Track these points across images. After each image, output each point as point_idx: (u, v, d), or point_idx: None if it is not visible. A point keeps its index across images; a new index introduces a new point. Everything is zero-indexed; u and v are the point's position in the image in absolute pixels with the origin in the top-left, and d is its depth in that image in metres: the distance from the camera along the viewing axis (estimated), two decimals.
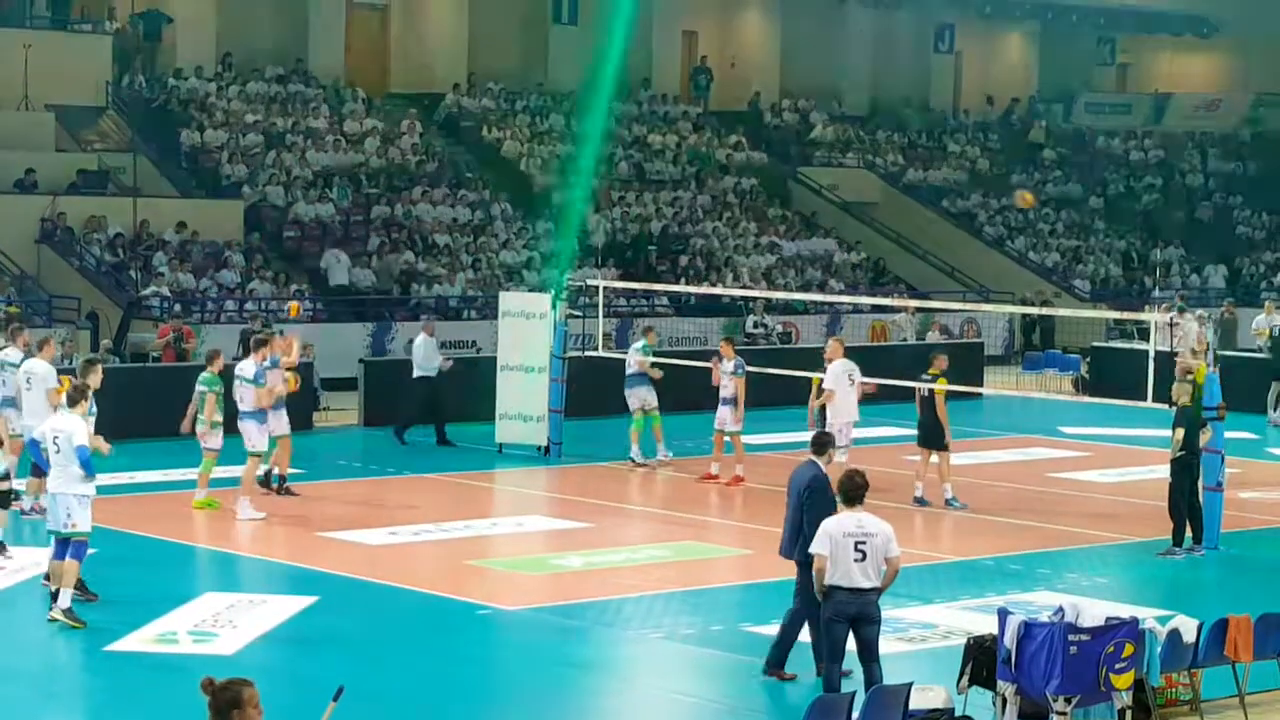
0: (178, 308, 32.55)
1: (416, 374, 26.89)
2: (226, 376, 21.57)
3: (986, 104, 54.31)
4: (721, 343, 25.03)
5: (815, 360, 24.34)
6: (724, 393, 24.19)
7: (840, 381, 22.70)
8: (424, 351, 26.92)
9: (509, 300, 27.42)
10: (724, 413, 24.16)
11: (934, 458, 22.57)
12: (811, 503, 13.88)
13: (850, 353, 23.77)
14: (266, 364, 21.51)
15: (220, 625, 15.75)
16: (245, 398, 21.31)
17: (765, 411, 28.66)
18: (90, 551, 15.98)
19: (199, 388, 21.22)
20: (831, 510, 13.16)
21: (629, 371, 25.51)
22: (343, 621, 16.37)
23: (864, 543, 12.59)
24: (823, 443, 14.66)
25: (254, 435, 21.18)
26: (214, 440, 21.19)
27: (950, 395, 22.78)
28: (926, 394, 22.50)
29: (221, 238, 36.05)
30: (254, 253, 36.22)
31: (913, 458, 23.18)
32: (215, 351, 21.97)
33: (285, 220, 37.66)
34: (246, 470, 21.06)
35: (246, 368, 21.49)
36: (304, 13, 42.94)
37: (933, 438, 22.51)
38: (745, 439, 24.55)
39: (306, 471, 23.39)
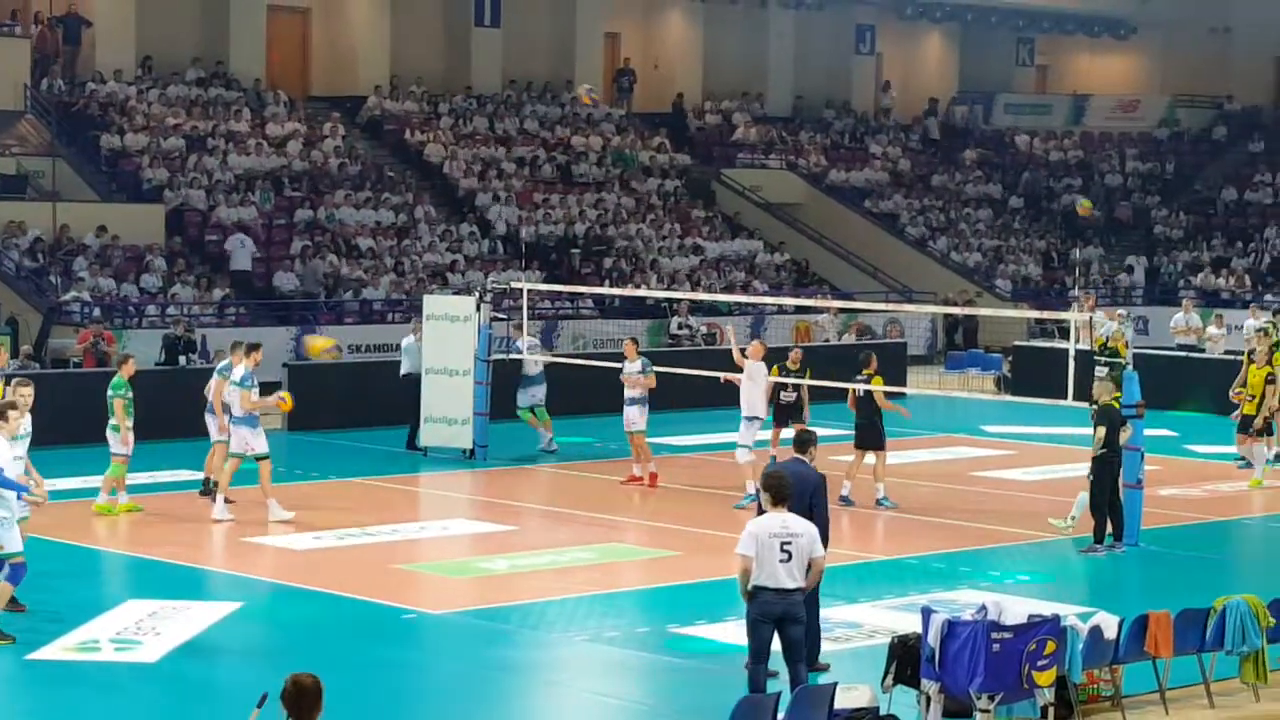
0: (98, 313, 32.32)
1: (404, 373, 26.87)
2: (138, 382, 21.42)
3: (885, 102, 54.46)
4: (626, 343, 25.06)
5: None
6: (630, 393, 24.24)
7: (757, 380, 22.84)
8: (413, 352, 26.87)
9: (433, 303, 27.39)
10: (631, 413, 24.20)
11: (870, 457, 22.70)
12: (822, 502, 14.12)
13: (775, 353, 23.89)
14: (254, 370, 21.25)
15: (143, 633, 15.66)
16: (234, 402, 21.17)
17: (690, 413, 28.77)
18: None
19: (109, 393, 21.09)
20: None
21: (531, 373, 26.10)
22: (267, 627, 16.32)
23: (789, 543, 12.64)
24: (806, 440, 14.76)
25: (250, 438, 21.07)
26: (120, 445, 21.03)
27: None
28: (862, 394, 22.63)
29: (143, 241, 35.83)
30: (176, 257, 36.02)
31: (843, 458, 23.29)
32: (125, 356, 21.83)
33: (207, 224, 37.46)
34: (262, 476, 21.04)
35: (235, 371, 21.28)
36: (224, 15, 42.68)
37: (869, 438, 22.66)
38: (671, 440, 24.61)
39: (237, 477, 23.26)
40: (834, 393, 24.11)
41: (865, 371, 22.69)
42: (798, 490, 13.47)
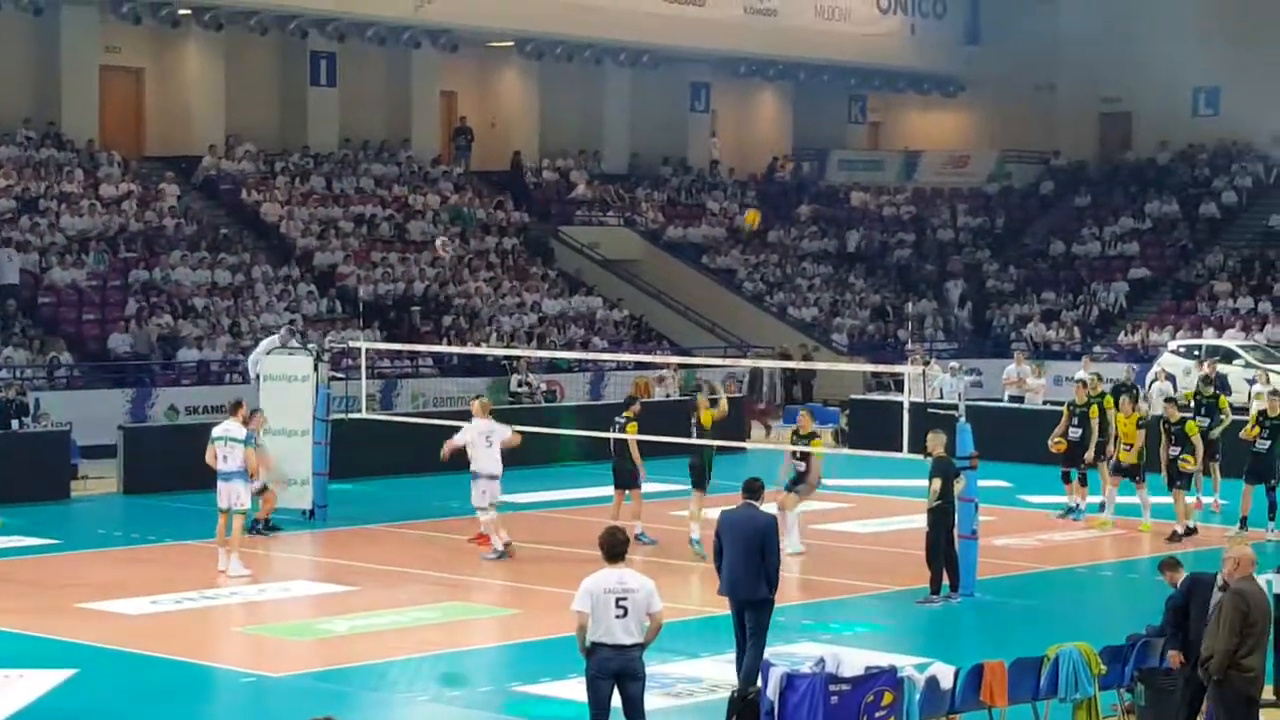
0: None
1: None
2: None
3: (713, 154, 55.01)
4: (472, 402, 25.07)
5: (581, 417, 24.46)
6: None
7: (478, 442, 23.13)
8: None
9: (270, 364, 27.21)
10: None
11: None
12: (774, 545, 15.23)
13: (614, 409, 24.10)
14: (258, 431, 22.25)
15: None
16: (231, 457, 21.60)
17: (529, 470, 28.76)
18: None
19: None
20: None
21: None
22: (102, 694, 16.11)
23: (625, 599, 12.73)
24: (756, 488, 15.66)
25: (240, 493, 21.61)
26: None
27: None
28: (615, 442, 23.45)
29: None
30: (9, 320, 35.51)
31: (680, 513, 23.42)
32: None
33: (40, 286, 36.96)
34: (235, 528, 21.49)
35: (234, 429, 21.76)
36: (56, 75, 42.23)
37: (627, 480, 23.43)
38: (513, 498, 24.62)
39: (64, 541, 22.96)
40: (670, 448, 24.33)
41: (626, 414, 23.39)
42: (747, 534, 14.97)
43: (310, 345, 29.13)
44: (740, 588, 15.24)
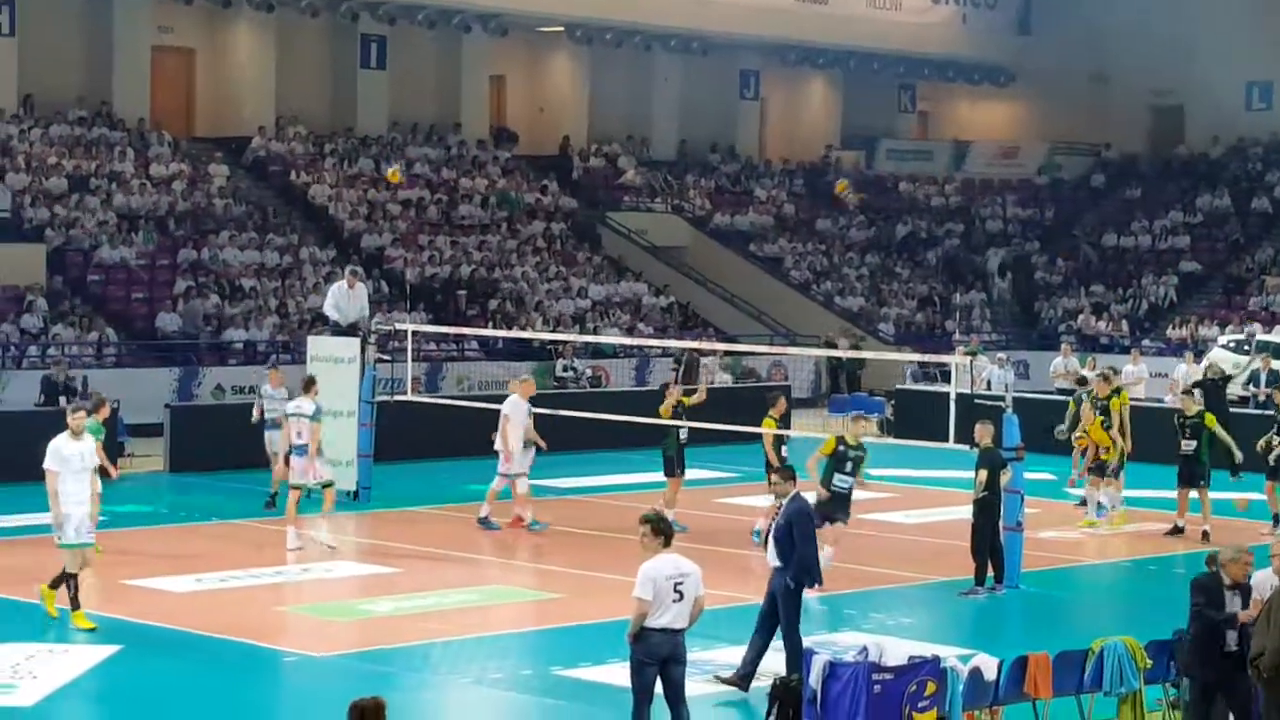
0: None
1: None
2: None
3: (780, 153, 54.99)
4: (524, 382, 25.12)
5: (625, 403, 24.45)
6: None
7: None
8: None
9: (317, 345, 27.27)
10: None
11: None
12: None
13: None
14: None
15: (20, 676, 15.48)
16: (303, 433, 21.86)
17: (576, 456, 28.76)
18: None
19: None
20: None
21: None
22: (147, 671, 16.17)
23: (681, 583, 12.80)
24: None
25: (301, 469, 21.90)
26: None
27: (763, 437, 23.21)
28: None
29: (23, 282, 35.45)
30: (57, 297, 35.67)
31: (728, 500, 23.41)
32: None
33: (89, 264, 37.13)
34: (328, 500, 21.92)
35: (305, 405, 22.05)
36: (108, 55, 42.42)
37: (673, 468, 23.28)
38: (555, 482, 24.66)
39: (109, 519, 23.03)
40: (720, 435, 24.31)
41: (773, 413, 22.94)
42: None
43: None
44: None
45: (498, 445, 23.72)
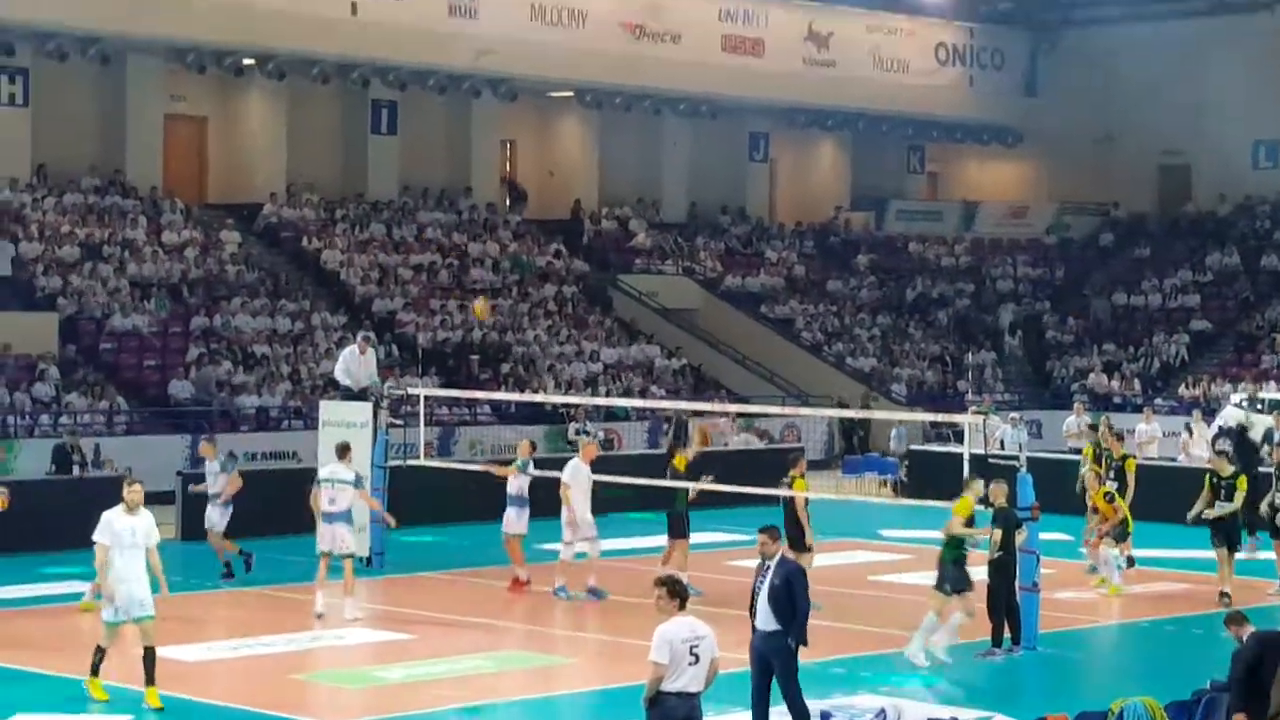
0: None
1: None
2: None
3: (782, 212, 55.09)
4: (522, 444, 25.09)
5: (640, 465, 24.39)
6: (511, 491, 24.27)
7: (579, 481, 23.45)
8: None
9: (329, 409, 27.26)
10: (509, 514, 24.20)
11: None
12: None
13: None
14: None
15: None
16: (339, 499, 21.82)
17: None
18: None
19: None
20: None
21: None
22: None
23: (697, 646, 12.74)
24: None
25: (346, 537, 21.85)
26: None
27: (776, 499, 23.11)
28: (783, 499, 22.77)
29: (36, 350, 35.50)
30: (70, 366, 35.72)
31: (736, 563, 23.33)
32: None
33: (102, 333, 37.20)
34: (347, 573, 21.70)
35: (343, 471, 22.06)
36: (121, 123, 42.60)
37: (792, 541, 22.77)
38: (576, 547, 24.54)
39: None
40: (731, 497, 24.25)
41: (792, 474, 22.85)
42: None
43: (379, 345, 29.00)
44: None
45: (564, 516, 23.57)
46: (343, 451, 22.55)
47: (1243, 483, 24.42)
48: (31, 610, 21.80)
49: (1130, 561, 25.70)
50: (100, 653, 17.31)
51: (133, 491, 17.24)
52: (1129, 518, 24.96)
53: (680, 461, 23.77)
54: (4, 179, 40.00)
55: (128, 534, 17.04)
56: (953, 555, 19.84)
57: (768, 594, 15.07)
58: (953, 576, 19.65)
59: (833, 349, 48.41)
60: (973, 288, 53.75)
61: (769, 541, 15.29)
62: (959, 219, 56.97)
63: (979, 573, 20.63)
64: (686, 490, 23.68)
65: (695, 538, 24.18)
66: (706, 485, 23.60)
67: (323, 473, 22.41)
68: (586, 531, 23.55)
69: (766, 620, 15.09)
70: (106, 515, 17.19)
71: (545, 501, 24.61)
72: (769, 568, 15.19)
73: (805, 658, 19.67)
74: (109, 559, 16.99)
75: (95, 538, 17.19)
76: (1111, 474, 26.10)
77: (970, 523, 20.13)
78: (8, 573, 21.43)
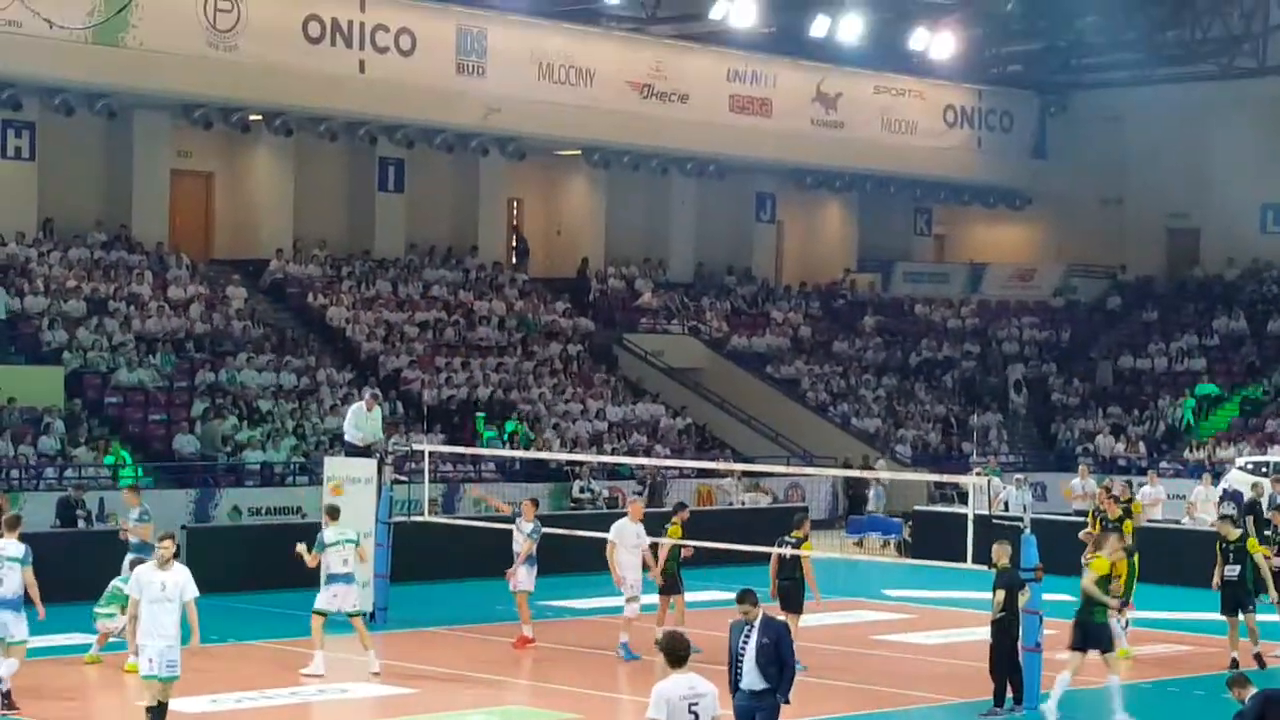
0: None
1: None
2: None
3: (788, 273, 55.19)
4: (524, 503, 25.09)
5: (643, 524, 24.35)
6: (519, 549, 24.26)
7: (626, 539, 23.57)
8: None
9: (334, 465, 27.27)
10: (520, 572, 24.17)
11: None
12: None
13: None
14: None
15: None
16: (349, 560, 22.07)
17: (592, 576, 28.59)
18: None
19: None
20: None
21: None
22: None
23: (696, 703, 12.64)
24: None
25: (353, 596, 22.05)
26: None
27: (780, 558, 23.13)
28: (789, 557, 22.72)
29: (41, 404, 35.54)
30: (75, 419, 35.74)
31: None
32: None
33: (107, 387, 37.23)
34: (360, 629, 21.92)
35: (347, 532, 22.31)
36: (127, 179, 42.73)
37: (791, 600, 22.74)
38: (570, 603, 24.55)
39: (125, 641, 22.89)
40: (726, 555, 24.23)
41: (795, 534, 22.83)
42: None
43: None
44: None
45: (616, 576, 23.58)
46: (335, 513, 22.68)
47: (1254, 544, 24.18)
48: (35, 662, 21.71)
49: (1125, 624, 25.59)
50: (149, 712, 17.22)
51: (163, 548, 17.35)
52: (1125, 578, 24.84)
53: (674, 531, 23.78)
54: (10, 233, 40.13)
55: (156, 588, 17.04)
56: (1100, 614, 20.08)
57: (755, 653, 14.99)
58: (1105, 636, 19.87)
59: (838, 409, 48.40)
60: (979, 349, 53.77)
61: (750, 608, 15.16)
62: (966, 281, 57.04)
63: (985, 632, 20.58)
64: (679, 550, 23.68)
65: (696, 595, 24.12)
66: (692, 544, 23.73)
67: (328, 535, 22.34)
68: (629, 591, 23.48)
69: (754, 680, 15.01)
70: (138, 569, 17.52)
71: (550, 558, 24.58)
72: (751, 629, 15.10)
73: (810, 714, 19.69)
74: (138, 612, 17.04)
75: (128, 590, 17.62)
76: None
77: (1106, 581, 20.13)
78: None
